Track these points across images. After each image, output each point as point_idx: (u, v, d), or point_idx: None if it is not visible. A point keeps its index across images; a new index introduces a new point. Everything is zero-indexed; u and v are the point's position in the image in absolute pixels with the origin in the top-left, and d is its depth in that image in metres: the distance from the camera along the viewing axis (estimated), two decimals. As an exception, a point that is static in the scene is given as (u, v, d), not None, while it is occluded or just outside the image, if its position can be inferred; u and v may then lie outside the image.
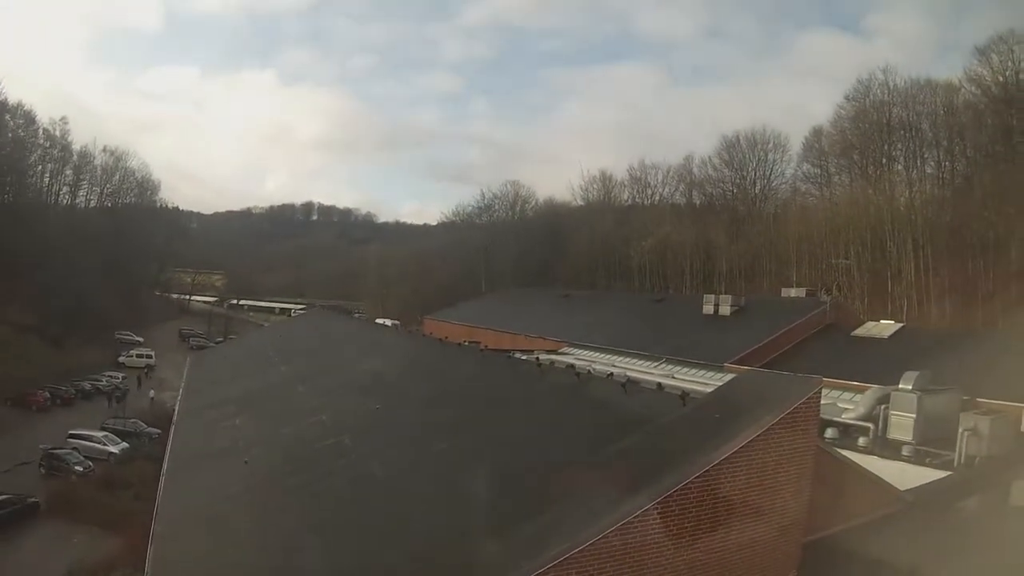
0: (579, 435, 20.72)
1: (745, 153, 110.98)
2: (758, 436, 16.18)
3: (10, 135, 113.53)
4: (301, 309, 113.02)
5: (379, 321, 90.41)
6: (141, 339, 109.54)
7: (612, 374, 27.07)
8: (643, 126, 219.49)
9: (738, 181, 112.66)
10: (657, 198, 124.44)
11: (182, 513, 26.71)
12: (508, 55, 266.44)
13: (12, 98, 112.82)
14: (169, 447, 37.52)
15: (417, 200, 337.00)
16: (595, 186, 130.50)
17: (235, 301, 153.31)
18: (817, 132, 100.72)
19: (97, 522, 42.00)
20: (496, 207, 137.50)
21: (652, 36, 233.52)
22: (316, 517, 21.93)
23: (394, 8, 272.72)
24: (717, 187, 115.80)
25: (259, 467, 28.73)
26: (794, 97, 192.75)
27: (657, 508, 14.80)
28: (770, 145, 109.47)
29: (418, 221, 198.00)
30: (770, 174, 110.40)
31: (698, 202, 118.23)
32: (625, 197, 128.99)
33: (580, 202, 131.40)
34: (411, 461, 24.14)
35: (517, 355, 38.19)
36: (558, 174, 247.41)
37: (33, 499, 45.60)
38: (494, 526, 16.63)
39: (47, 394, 73.77)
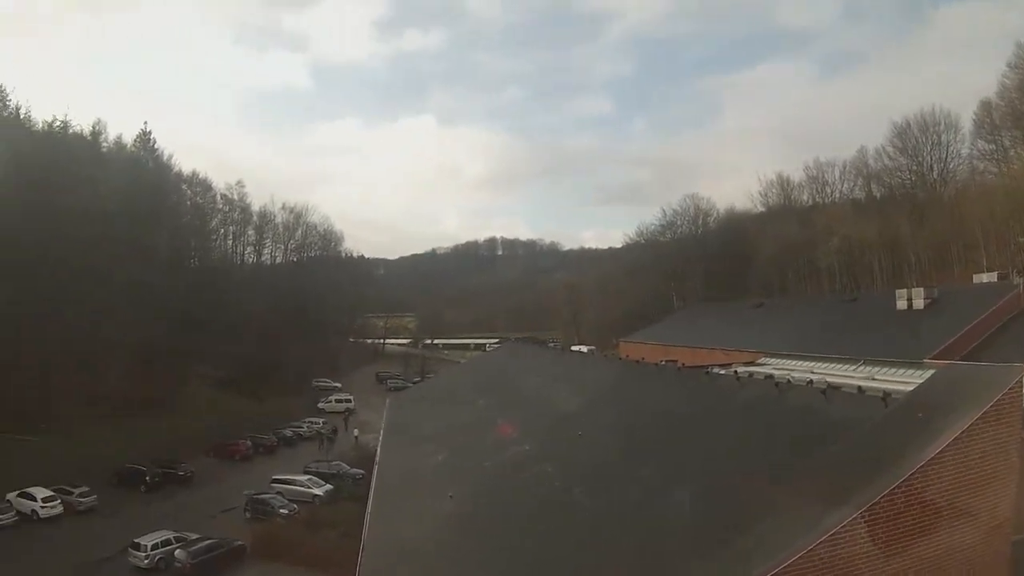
0: (781, 446, 20.92)
1: (918, 138, 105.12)
2: (962, 433, 15.73)
3: (189, 203, 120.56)
4: (495, 343, 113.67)
5: (574, 348, 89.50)
6: (339, 385, 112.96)
7: (811, 381, 26.23)
8: (805, 123, 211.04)
9: (915, 168, 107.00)
10: (836, 195, 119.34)
11: (388, 549, 27.30)
12: (654, 69, 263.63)
13: (186, 169, 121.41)
14: (373, 486, 38.36)
15: (595, 225, 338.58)
16: (773, 190, 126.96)
17: (429, 341, 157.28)
18: (986, 105, 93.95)
19: (303, 562, 43.00)
20: (679, 223, 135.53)
21: (793, 28, 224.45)
22: (522, 547, 22.76)
23: (533, 37, 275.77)
24: (895, 176, 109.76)
25: (463, 501, 29.17)
26: (950, 72, 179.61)
27: (864, 517, 14.69)
28: (941, 126, 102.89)
29: (602, 245, 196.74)
30: (946, 156, 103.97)
31: (878, 194, 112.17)
32: (805, 198, 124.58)
33: (761, 208, 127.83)
34: (615, 486, 24.48)
35: (715, 370, 37.42)
36: (735, 182, 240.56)
37: (239, 542, 47.29)
38: (701, 545, 17.17)
39: (248, 443, 76.94)
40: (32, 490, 55.21)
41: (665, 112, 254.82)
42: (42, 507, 54.17)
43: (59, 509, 54.78)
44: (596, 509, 23.12)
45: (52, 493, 55.54)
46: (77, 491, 56.95)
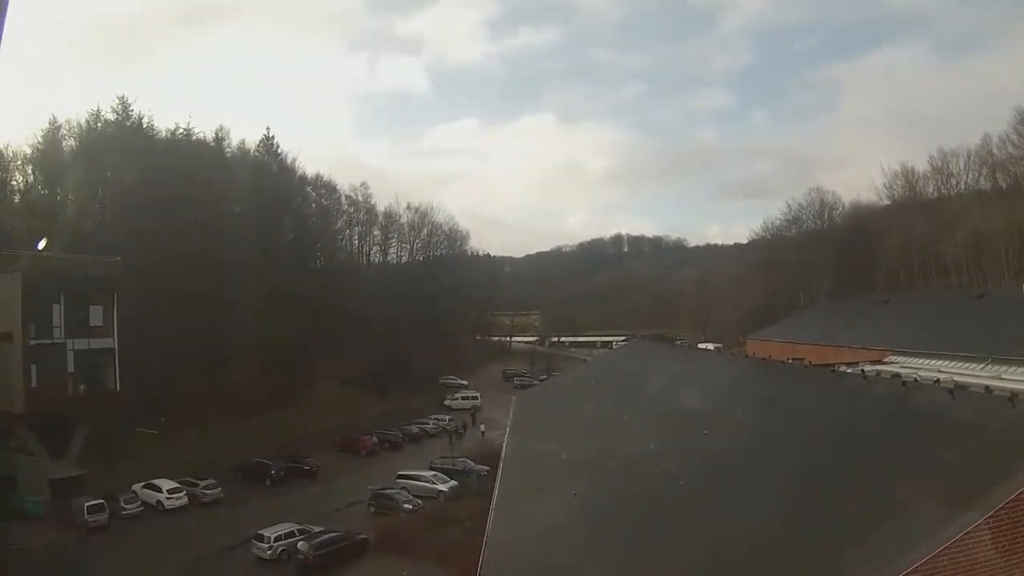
0: (906, 448, 19.98)
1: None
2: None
3: (314, 204, 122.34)
4: (622, 341, 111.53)
5: (701, 346, 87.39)
6: (465, 382, 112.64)
7: (938, 380, 25.45)
8: (924, 110, 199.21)
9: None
10: (962, 186, 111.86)
11: (511, 546, 27.43)
12: (770, 59, 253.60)
13: (311, 172, 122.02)
14: (498, 482, 38.28)
15: (719, 220, 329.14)
16: (898, 182, 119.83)
17: (555, 338, 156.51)
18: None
19: (425, 556, 42.91)
20: (804, 217, 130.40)
21: (908, 11, 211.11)
22: (645, 546, 22.61)
23: (647, 32, 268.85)
24: (1020, 165, 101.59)
25: (588, 499, 28.93)
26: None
27: (988, 523, 13.91)
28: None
29: (727, 241, 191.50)
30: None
31: (1004, 184, 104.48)
32: (930, 190, 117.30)
33: (886, 201, 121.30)
34: (739, 484, 24.03)
35: (841, 368, 35.92)
36: (857, 173, 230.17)
37: (362, 536, 47.51)
38: (825, 546, 16.82)
39: (375, 439, 77.14)
40: (158, 481, 56.23)
41: (783, 103, 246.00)
42: (167, 498, 55.16)
43: (184, 500, 55.69)
44: (719, 507, 22.55)
45: (178, 485, 56.49)
46: (203, 483, 57.81)
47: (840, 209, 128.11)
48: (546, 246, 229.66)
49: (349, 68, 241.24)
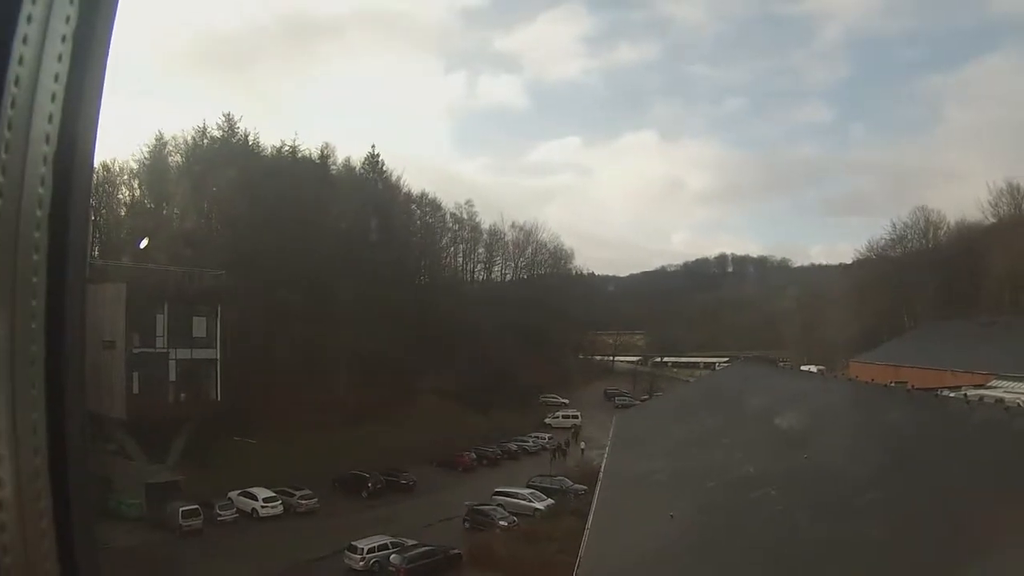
0: (1010, 474, 19.03)
1: None
2: None
3: (419, 222, 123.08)
4: (724, 362, 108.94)
5: (804, 368, 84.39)
6: (566, 401, 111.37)
7: None
8: None
9: None
10: None
11: (605, 565, 27.31)
12: (870, 71, 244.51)
13: (415, 189, 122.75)
14: (595, 502, 37.97)
15: (822, 239, 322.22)
16: (1004, 199, 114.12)
17: (658, 359, 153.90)
18: None
19: (517, 573, 42.84)
20: (909, 236, 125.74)
21: (1013, 16, 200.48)
22: (742, 571, 22.13)
23: (744, 45, 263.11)
24: None
25: (684, 521, 28.14)
26: None
27: None
28: None
29: (831, 260, 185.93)
30: None
31: None
32: None
33: (991, 219, 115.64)
34: (840, 510, 23.15)
35: (944, 392, 35.04)
36: (965, 190, 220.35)
37: (455, 551, 47.41)
38: None
39: (473, 455, 77.03)
40: (254, 490, 56.95)
41: (884, 116, 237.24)
42: (263, 506, 55.75)
43: (279, 509, 56.21)
44: (819, 534, 21.77)
45: (273, 494, 57.07)
46: (299, 493, 58.20)
47: (945, 228, 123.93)
48: (650, 265, 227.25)
49: (449, 86, 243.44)
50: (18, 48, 1.97)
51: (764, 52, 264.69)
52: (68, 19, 2.09)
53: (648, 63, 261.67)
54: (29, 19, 2.00)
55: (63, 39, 2.09)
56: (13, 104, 1.96)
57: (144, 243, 62.50)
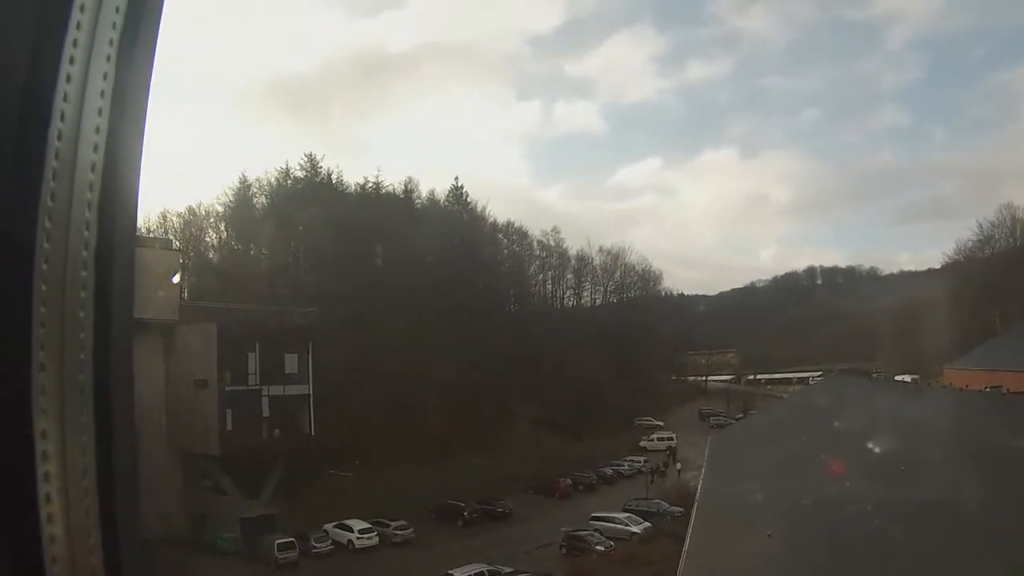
0: None
1: None
2: None
3: (506, 251, 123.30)
4: (818, 376, 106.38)
5: (897, 378, 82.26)
6: (661, 423, 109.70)
7: None
8: None
9: None
10: None
11: None
12: (944, 71, 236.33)
13: (501, 218, 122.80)
14: (691, 524, 37.64)
15: (908, 246, 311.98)
16: None
17: (751, 376, 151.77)
18: None
19: None
20: (996, 236, 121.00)
21: None
22: None
23: (814, 54, 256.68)
24: None
25: (781, 540, 28.05)
26: None
27: None
28: None
29: (920, 267, 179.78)
30: None
31: None
32: None
33: None
34: (938, 523, 23.48)
35: None
36: None
37: None
38: None
39: (569, 481, 76.19)
40: (349, 521, 56.89)
41: (960, 116, 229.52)
42: (358, 538, 55.65)
43: (375, 540, 56.08)
44: (918, 550, 21.80)
45: (369, 525, 57.00)
46: (394, 524, 58.03)
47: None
48: (739, 282, 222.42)
49: (524, 114, 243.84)
50: (59, 105, 2.01)
51: (834, 59, 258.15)
52: (105, 76, 2.15)
53: (721, 79, 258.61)
54: (68, 78, 2.04)
55: (101, 94, 2.14)
56: (57, 156, 2.00)
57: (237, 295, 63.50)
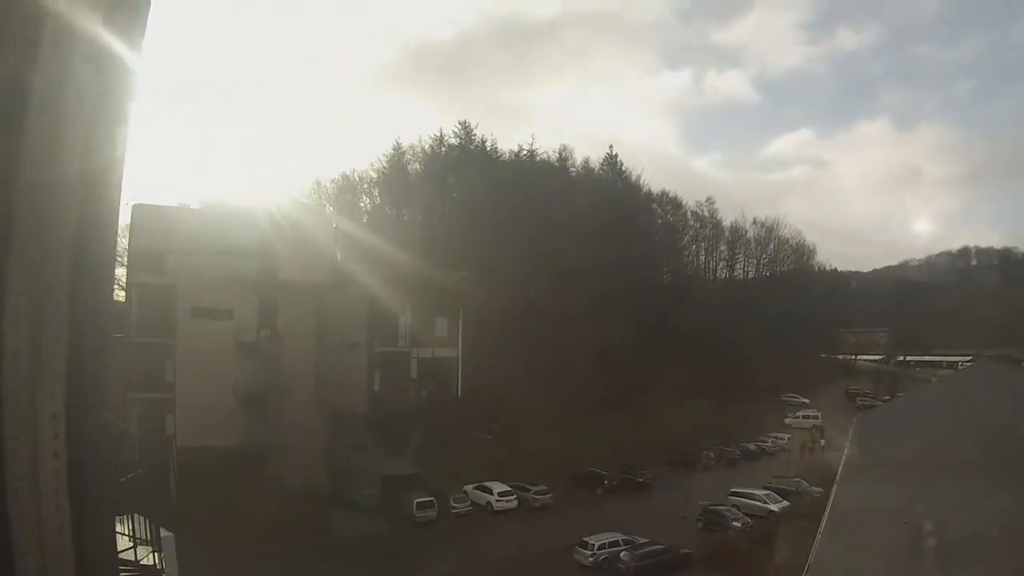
0: None
1: None
2: None
3: (660, 220, 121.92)
4: (968, 361, 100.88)
5: None
6: (807, 400, 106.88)
7: None
8: None
9: None
10: None
11: (833, 570, 26.45)
12: None
13: (655, 188, 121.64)
14: (829, 505, 36.12)
15: None
16: None
17: (901, 358, 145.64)
18: None
19: (747, 575, 41.42)
20: None
21: None
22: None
23: (969, 19, 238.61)
24: None
25: (916, 526, 27.12)
26: None
27: None
28: None
29: None
30: None
31: None
32: None
33: None
34: None
35: None
36: None
37: (686, 550, 46.59)
38: None
39: (711, 455, 75.27)
40: (490, 484, 57.48)
41: None
42: (497, 500, 56.17)
43: (514, 504, 56.47)
44: None
45: (509, 488, 57.39)
46: (534, 489, 58.22)
47: None
48: (893, 259, 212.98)
49: (672, 83, 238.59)
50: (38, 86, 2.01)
51: (988, 26, 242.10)
52: (89, 60, 2.11)
53: (871, 47, 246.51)
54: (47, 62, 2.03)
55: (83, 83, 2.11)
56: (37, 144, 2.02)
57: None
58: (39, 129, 1.98)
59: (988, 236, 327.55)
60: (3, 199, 1.97)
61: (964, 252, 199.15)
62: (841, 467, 46.04)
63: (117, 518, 11.62)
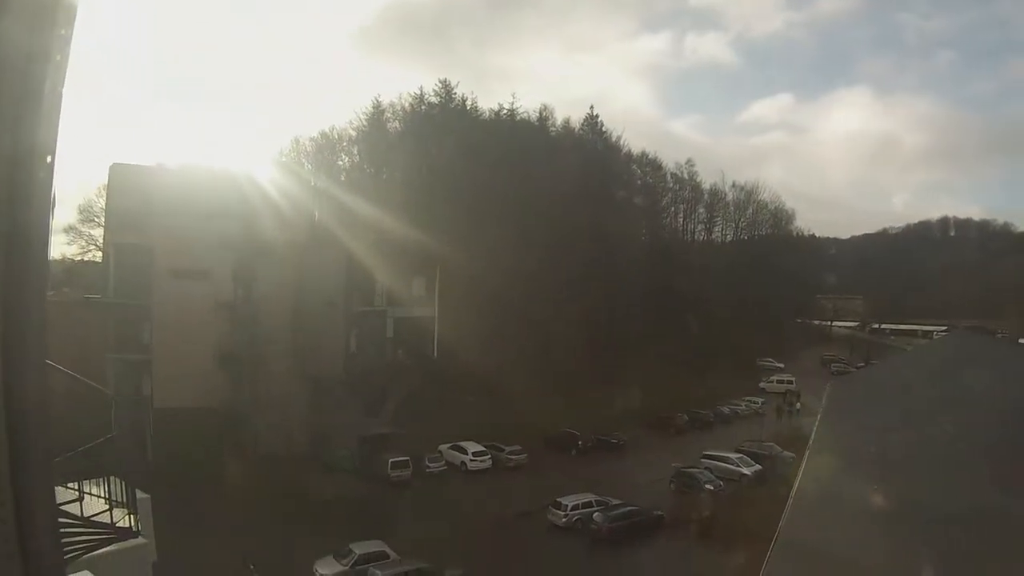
0: None
1: None
2: None
3: (639, 182, 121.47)
4: (942, 331, 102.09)
5: (1022, 341, 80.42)
6: (782, 365, 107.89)
7: None
8: None
9: None
10: None
11: (803, 534, 26.15)
12: None
13: (636, 149, 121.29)
14: (802, 470, 36.09)
15: None
16: None
17: (876, 325, 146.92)
18: None
19: (719, 538, 41.85)
20: None
21: None
22: (941, 547, 21.39)
23: None
24: None
25: (887, 495, 26.82)
26: None
27: None
28: None
29: None
30: None
31: None
32: None
33: None
34: None
35: None
36: None
37: (659, 512, 46.87)
38: None
39: (685, 417, 75.41)
40: (464, 444, 57.78)
41: None
42: (471, 460, 56.50)
43: (488, 464, 56.77)
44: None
45: (483, 448, 57.65)
46: (508, 449, 58.52)
47: None
48: (872, 227, 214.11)
49: (652, 45, 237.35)
50: None
51: (971, 1, 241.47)
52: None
53: (852, 13, 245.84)
54: None
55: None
56: None
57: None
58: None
59: (967, 208, 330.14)
60: None
61: (943, 223, 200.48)
62: (813, 433, 46.86)
63: (93, 480, 11.68)
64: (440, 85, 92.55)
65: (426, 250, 64.11)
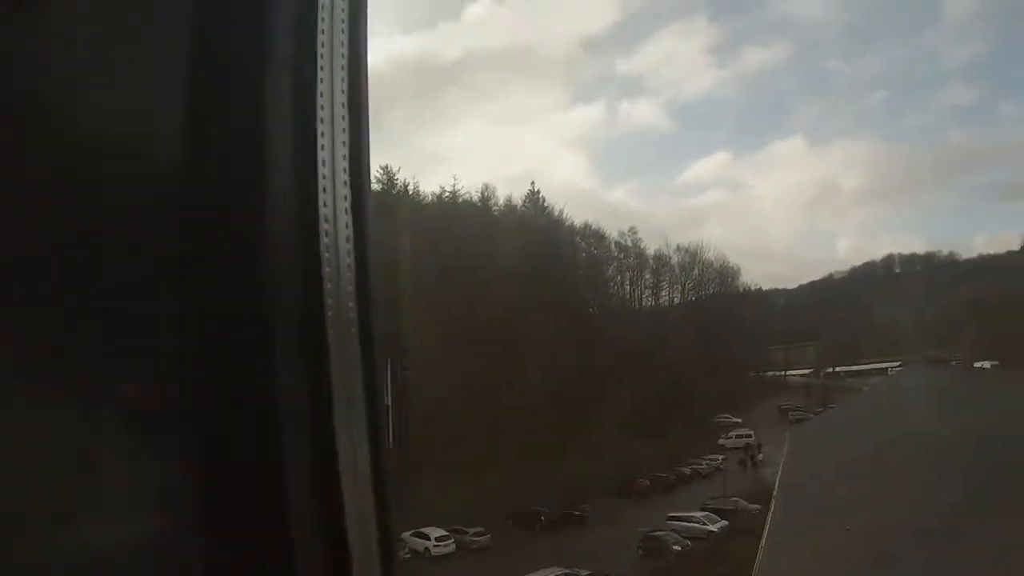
0: None
1: None
2: None
3: (583, 254, 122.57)
4: (897, 366, 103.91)
5: (976, 365, 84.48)
6: (739, 420, 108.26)
7: None
8: None
9: None
10: None
11: None
12: (1011, 44, 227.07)
13: (579, 221, 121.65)
14: (769, 520, 38.19)
15: (987, 227, 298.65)
16: None
17: (830, 369, 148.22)
18: None
19: None
20: None
21: None
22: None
23: (874, 31, 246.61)
24: None
25: (860, 534, 28.45)
26: None
27: None
28: None
29: (999, 249, 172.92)
30: None
31: None
32: None
33: None
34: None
35: None
36: None
37: None
38: None
39: (647, 482, 75.51)
40: (426, 529, 56.80)
41: None
42: (435, 545, 55.80)
43: (451, 548, 56.28)
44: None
45: (446, 532, 57.17)
46: (472, 531, 58.21)
47: None
48: (817, 274, 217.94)
49: (587, 115, 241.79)
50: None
51: (894, 37, 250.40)
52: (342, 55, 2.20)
53: (780, 65, 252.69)
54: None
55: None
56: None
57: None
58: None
59: (911, 243, 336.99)
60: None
61: (888, 260, 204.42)
62: (777, 482, 47.17)
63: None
64: (382, 171, 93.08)
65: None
